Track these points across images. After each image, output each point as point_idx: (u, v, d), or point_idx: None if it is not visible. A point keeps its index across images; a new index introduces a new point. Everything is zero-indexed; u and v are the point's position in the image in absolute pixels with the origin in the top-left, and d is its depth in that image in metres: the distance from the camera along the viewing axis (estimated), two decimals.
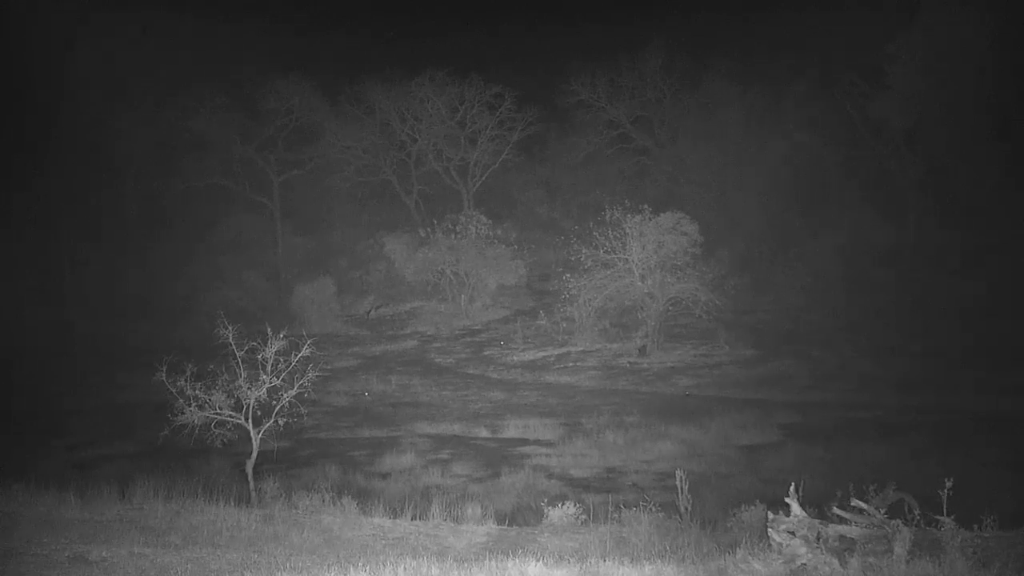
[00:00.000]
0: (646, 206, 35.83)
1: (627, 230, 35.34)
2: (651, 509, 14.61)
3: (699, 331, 36.63)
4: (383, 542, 13.81)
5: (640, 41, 53.08)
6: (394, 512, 15.67)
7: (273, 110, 51.20)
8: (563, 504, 15.27)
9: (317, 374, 16.76)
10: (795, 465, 18.80)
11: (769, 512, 11.45)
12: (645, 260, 35.36)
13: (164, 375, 16.04)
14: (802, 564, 10.46)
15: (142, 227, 52.53)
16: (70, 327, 43.19)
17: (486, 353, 38.25)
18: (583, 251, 36.39)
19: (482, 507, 15.81)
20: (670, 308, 35.93)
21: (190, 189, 50.57)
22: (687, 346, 35.72)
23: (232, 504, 15.34)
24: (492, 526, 15.05)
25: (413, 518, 15.36)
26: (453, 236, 45.79)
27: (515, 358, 36.88)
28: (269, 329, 16.37)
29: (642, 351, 35.18)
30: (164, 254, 49.74)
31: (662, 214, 35.91)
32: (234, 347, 16.18)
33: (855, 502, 11.29)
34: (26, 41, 48.01)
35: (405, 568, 10.77)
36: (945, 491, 10.95)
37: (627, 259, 35.64)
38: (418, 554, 12.13)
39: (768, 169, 46.87)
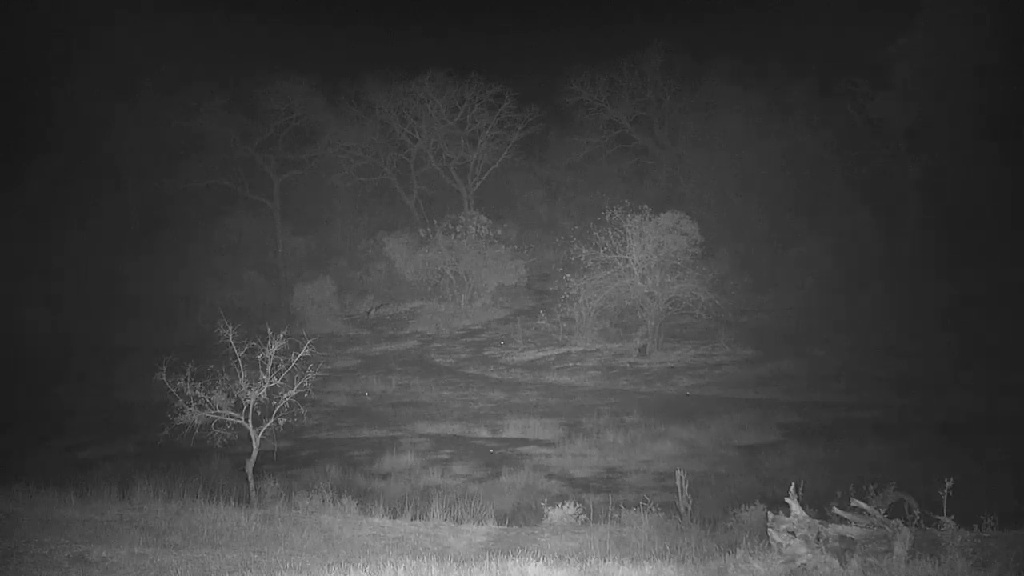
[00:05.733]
0: (646, 206, 35.83)
1: (627, 230, 35.34)
2: (651, 509, 14.61)
3: (699, 331, 36.61)
4: (383, 542, 13.81)
5: (640, 41, 53.14)
6: (394, 512, 15.68)
7: (273, 110, 51.14)
8: (563, 504, 15.27)
9: (317, 374, 16.76)
10: (795, 465, 18.82)
11: (769, 512, 11.44)
12: (645, 260, 35.36)
13: (164, 375, 16.03)
14: (802, 564, 10.46)
15: (142, 227, 52.51)
16: (70, 327, 43.14)
17: (486, 353, 38.24)
18: (583, 251, 36.38)
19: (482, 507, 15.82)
20: (670, 308, 35.91)
21: (190, 189, 50.52)
22: (687, 346, 35.71)
23: (232, 504, 15.34)
24: (492, 526, 15.05)
25: (413, 518, 15.36)
26: (453, 236, 45.80)
27: (515, 358, 36.86)
28: (269, 329, 16.37)
29: (642, 351, 35.16)
30: (164, 254, 49.69)
31: (662, 214, 35.91)
32: (234, 347, 16.18)
33: (855, 502, 11.28)
34: (25, 41, 48.01)
35: (405, 568, 10.76)
36: (945, 491, 10.94)
37: (627, 259, 35.64)
38: (418, 554, 12.13)
39: (768, 169, 46.85)
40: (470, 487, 18.78)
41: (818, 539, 10.73)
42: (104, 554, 11.93)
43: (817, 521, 11.03)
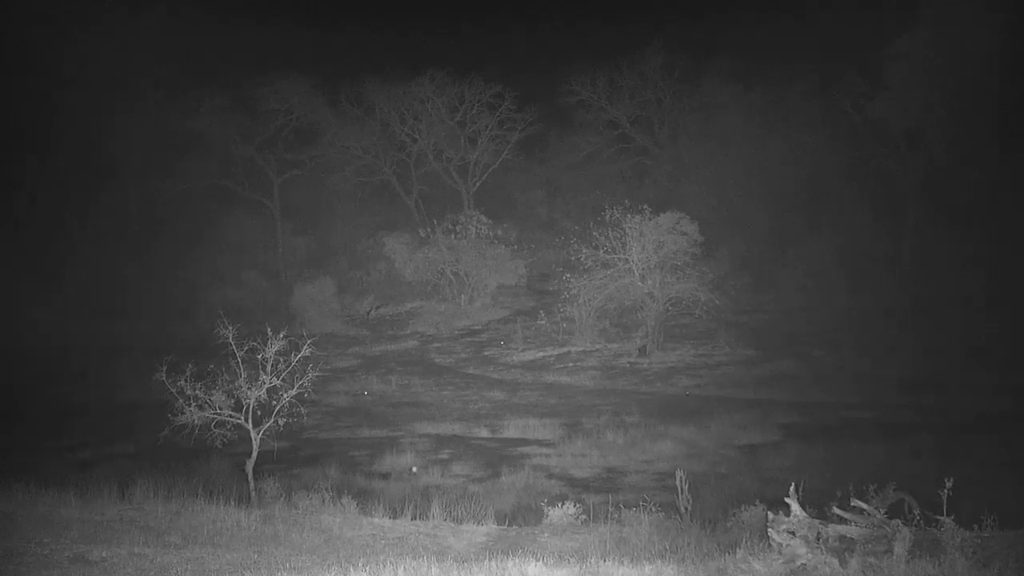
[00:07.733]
0: (646, 206, 35.83)
1: (627, 230, 35.34)
2: (651, 509, 14.61)
3: (699, 331, 36.61)
4: (383, 542, 13.81)
5: (640, 41, 53.21)
6: (394, 512, 15.67)
7: (273, 110, 51.24)
8: (563, 504, 15.26)
9: (317, 374, 16.75)
10: (795, 465, 18.81)
11: (769, 512, 11.44)
12: (645, 260, 35.36)
13: (164, 375, 16.03)
14: (802, 564, 10.46)
15: (142, 227, 52.52)
16: (70, 327, 43.16)
17: (486, 353, 38.24)
18: (583, 251, 36.39)
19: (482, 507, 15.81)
20: (670, 308, 35.92)
21: (190, 189, 50.57)
22: (687, 346, 35.71)
23: (232, 504, 15.33)
24: (492, 526, 15.04)
25: (413, 518, 15.36)
26: (453, 236, 45.83)
27: (515, 358, 36.86)
28: (269, 329, 16.35)
29: (642, 351, 35.16)
30: (164, 254, 49.72)
31: (662, 214, 35.91)
32: (234, 347, 16.17)
33: (855, 502, 11.28)
34: (26, 40, 48.00)
35: (405, 568, 10.76)
36: (945, 491, 10.95)
37: (627, 259, 35.64)
38: (418, 554, 12.13)
39: (768, 169, 46.87)
40: (470, 487, 18.76)
41: (818, 539, 10.73)
42: (104, 554, 11.93)
43: (817, 521, 11.03)
